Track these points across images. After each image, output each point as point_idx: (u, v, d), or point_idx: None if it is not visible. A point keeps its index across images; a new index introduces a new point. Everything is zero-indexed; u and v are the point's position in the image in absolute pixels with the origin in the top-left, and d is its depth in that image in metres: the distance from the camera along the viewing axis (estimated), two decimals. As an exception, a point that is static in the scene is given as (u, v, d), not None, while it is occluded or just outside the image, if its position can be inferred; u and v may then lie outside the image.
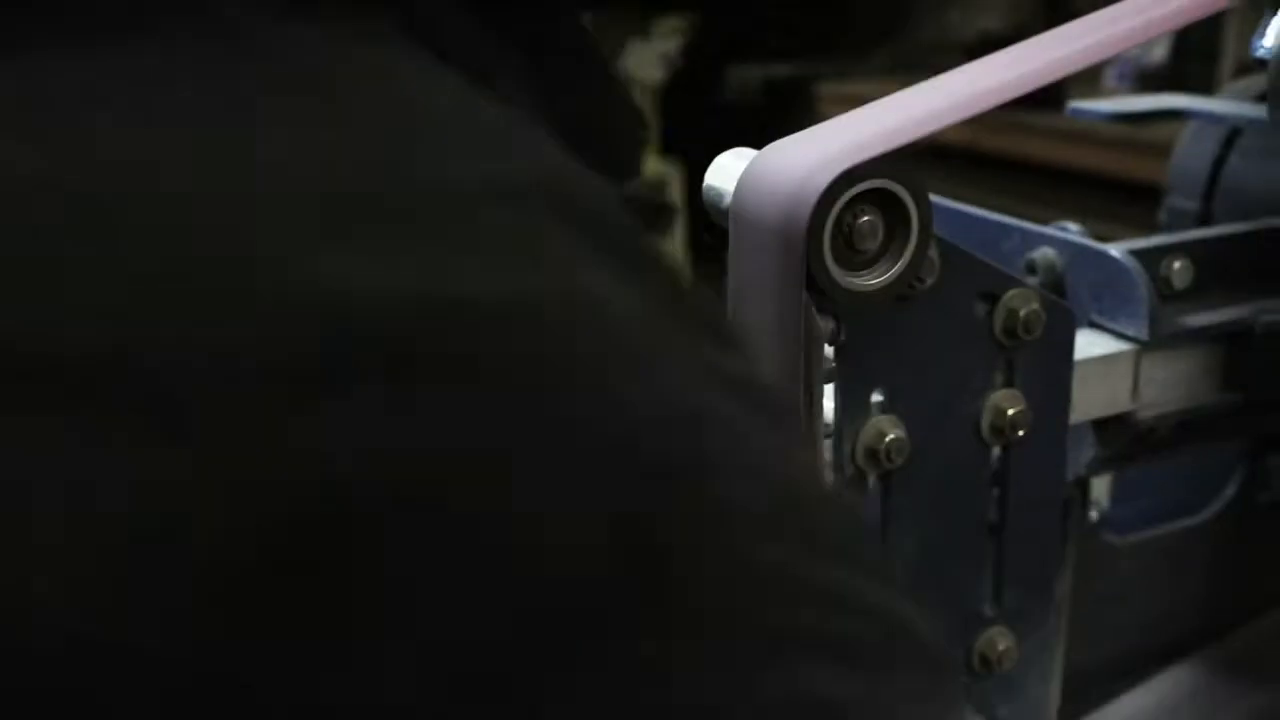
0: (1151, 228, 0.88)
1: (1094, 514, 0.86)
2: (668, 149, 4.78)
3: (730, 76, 5.09)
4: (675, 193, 4.66)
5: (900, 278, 0.47)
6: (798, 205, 0.44)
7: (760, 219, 0.46)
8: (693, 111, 4.92)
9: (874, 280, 0.47)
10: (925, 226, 0.46)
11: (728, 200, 0.49)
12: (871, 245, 0.46)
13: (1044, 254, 0.66)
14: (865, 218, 0.45)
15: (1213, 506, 0.82)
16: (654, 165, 4.74)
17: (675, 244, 4.67)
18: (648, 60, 4.75)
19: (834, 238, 0.45)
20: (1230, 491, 0.81)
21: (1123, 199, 2.85)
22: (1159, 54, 3.38)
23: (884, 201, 0.46)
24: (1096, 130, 3.15)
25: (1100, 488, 0.92)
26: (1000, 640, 0.60)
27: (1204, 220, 0.83)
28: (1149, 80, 3.33)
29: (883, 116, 0.48)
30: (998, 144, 3.50)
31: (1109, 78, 3.68)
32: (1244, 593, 0.80)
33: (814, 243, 0.44)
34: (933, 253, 0.51)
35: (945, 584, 0.58)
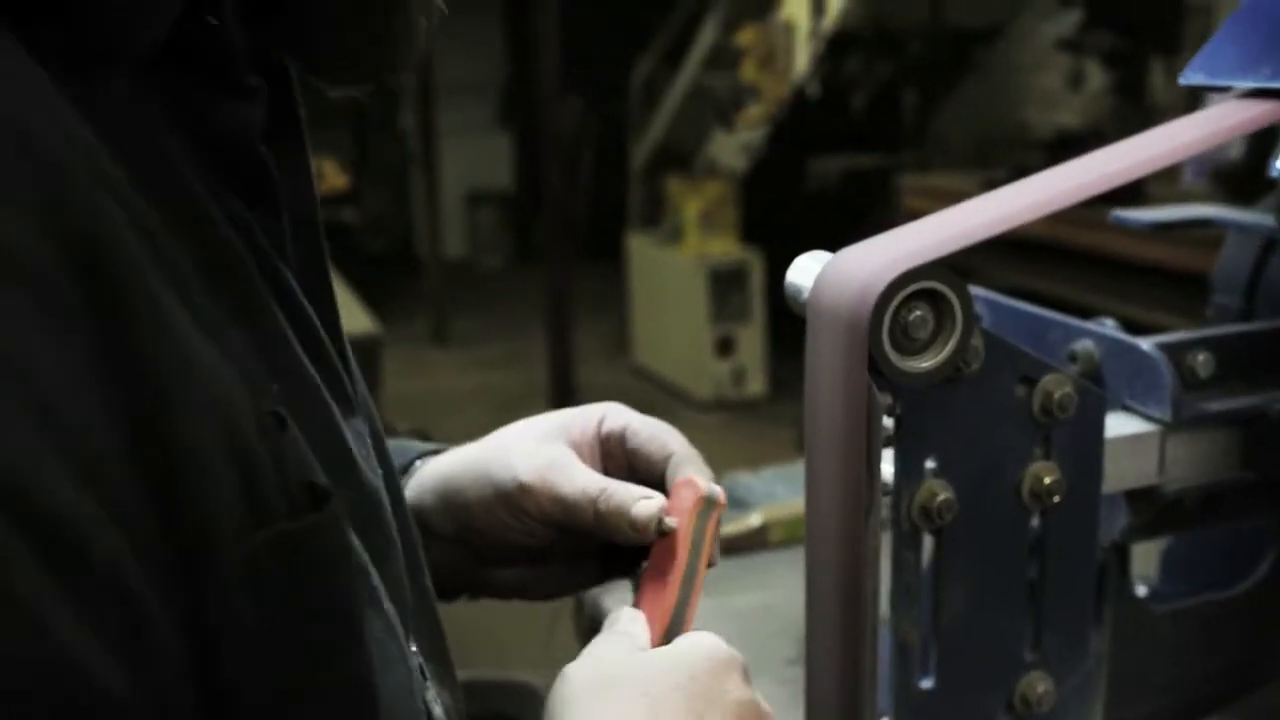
0: (1195, 313, 0.96)
1: (1144, 589, 0.94)
2: (750, 236, 4.91)
3: (812, 167, 5.22)
4: (756, 277, 4.77)
5: (948, 361, 0.57)
6: (862, 302, 0.54)
7: (832, 312, 0.56)
8: (775, 200, 5.06)
9: (925, 364, 0.57)
10: (968, 319, 0.56)
11: (805, 295, 0.60)
12: (923, 335, 0.56)
13: (1083, 345, 0.75)
14: (917, 312, 0.55)
15: (1248, 581, 0.89)
16: (735, 250, 4.85)
17: (755, 327, 4.77)
18: (732, 150, 4.88)
19: (891, 329, 0.55)
20: (1264, 569, 0.89)
21: (1174, 287, 2.95)
22: (1235, 153, 3.45)
23: (933, 299, 0.56)
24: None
25: (1150, 566, 1.00)
26: (1039, 683, 0.69)
27: (1246, 317, 0.92)
28: (1224, 178, 3.40)
29: (936, 228, 0.58)
30: (1075, 237, 3.58)
31: (1187, 176, 3.75)
32: (1274, 658, 0.87)
33: (875, 333, 0.54)
34: (978, 341, 0.60)
35: (990, 630, 0.67)
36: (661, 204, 5.12)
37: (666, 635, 0.61)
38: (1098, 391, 0.66)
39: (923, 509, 0.63)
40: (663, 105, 5.27)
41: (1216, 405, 0.72)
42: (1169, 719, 0.85)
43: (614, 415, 0.69)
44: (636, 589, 0.66)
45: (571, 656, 0.60)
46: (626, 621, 0.60)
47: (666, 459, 0.66)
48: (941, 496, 0.63)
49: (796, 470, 1.48)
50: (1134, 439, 0.71)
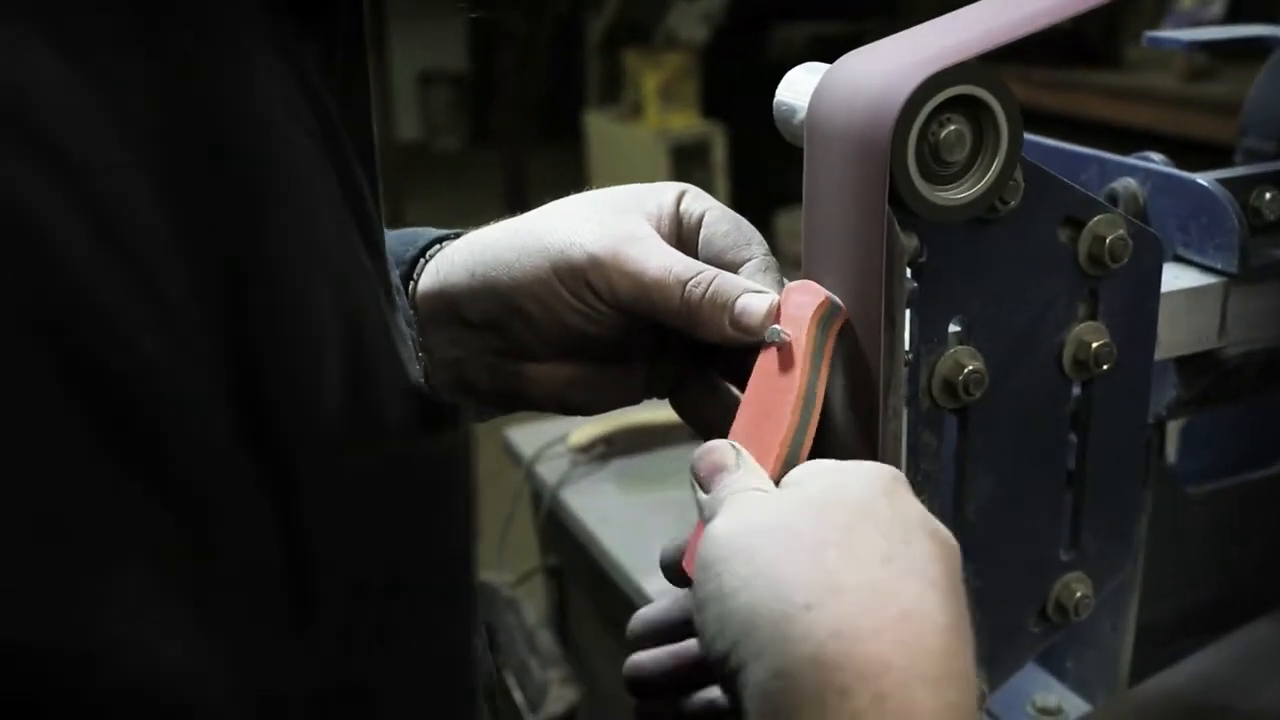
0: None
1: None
2: (710, 109, 4.73)
3: (775, 35, 5.03)
4: (718, 152, 4.62)
5: (989, 192, 0.44)
6: (881, 113, 0.41)
7: (839, 130, 0.44)
8: (736, 71, 4.87)
9: (961, 195, 0.44)
10: (1015, 137, 0.44)
11: (801, 115, 0.47)
12: (959, 156, 0.43)
13: (1125, 184, 0.63)
14: (952, 127, 0.42)
15: (1290, 457, 0.79)
16: (697, 124, 4.70)
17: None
18: (691, 20, 4.70)
19: (919, 148, 0.42)
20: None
21: (1183, 158, 2.80)
22: (1216, 10, 3.31)
23: (972, 110, 0.43)
24: (1155, 89, 3.11)
25: (1169, 439, 0.89)
26: (1078, 587, 0.58)
27: (1283, 163, 0.80)
28: (1205, 37, 3.27)
29: (969, 23, 0.45)
30: (1056, 103, 3.45)
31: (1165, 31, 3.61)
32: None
33: (898, 152, 0.41)
34: (1016, 173, 0.48)
35: (1022, 527, 0.56)
36: (620, 80, 4.94)
37: (783, 473, 0.47)
38: (1155, 236, 0.54)
39: (946, 383, 0.51)
40: (619, -25, 5.06)
41: (1289, 252, 0.60)
42: (1204, 618, 0.74)
43: (694, 195, 0.56)
44: (702, 429, 0.54)
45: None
46: (739, 464, 0.46)
47: (742, 264, 0.53)
48: (970, 367, 0.50)
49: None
50: (1193, 293, 0.59)
